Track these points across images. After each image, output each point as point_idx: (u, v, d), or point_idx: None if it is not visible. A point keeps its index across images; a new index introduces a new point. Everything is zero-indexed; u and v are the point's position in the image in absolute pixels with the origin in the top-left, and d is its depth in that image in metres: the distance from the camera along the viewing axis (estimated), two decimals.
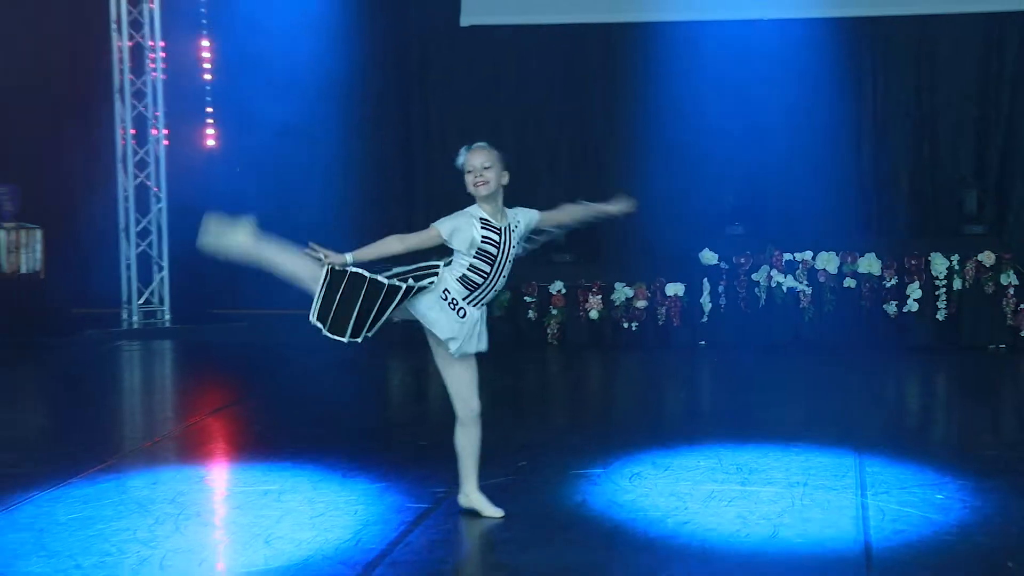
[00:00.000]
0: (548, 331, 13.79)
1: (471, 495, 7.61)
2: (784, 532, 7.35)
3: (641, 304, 13.67)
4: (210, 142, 15.75)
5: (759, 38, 14.54)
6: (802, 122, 14.59)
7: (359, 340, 7.33)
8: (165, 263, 15.26)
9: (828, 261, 13.50)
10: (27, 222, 14.66)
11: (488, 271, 7.19)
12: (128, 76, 15.05)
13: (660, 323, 13.68)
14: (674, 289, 13.61)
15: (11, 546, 7.32)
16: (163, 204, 15.23)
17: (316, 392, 11.85)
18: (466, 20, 15.28)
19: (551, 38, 15.23)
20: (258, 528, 7.62)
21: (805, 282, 13.52)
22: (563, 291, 13.79)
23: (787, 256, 13.58)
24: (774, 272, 13.56)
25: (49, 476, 8.81)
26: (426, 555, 7.18)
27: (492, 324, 13.54)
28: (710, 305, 13.61)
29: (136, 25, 15.04)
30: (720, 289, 13.61)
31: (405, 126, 15.81)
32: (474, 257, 7.15)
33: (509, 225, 7.26)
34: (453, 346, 7.29)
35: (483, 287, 7.24)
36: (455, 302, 7.23)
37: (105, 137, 15.24)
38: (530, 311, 13.82)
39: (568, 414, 11.63)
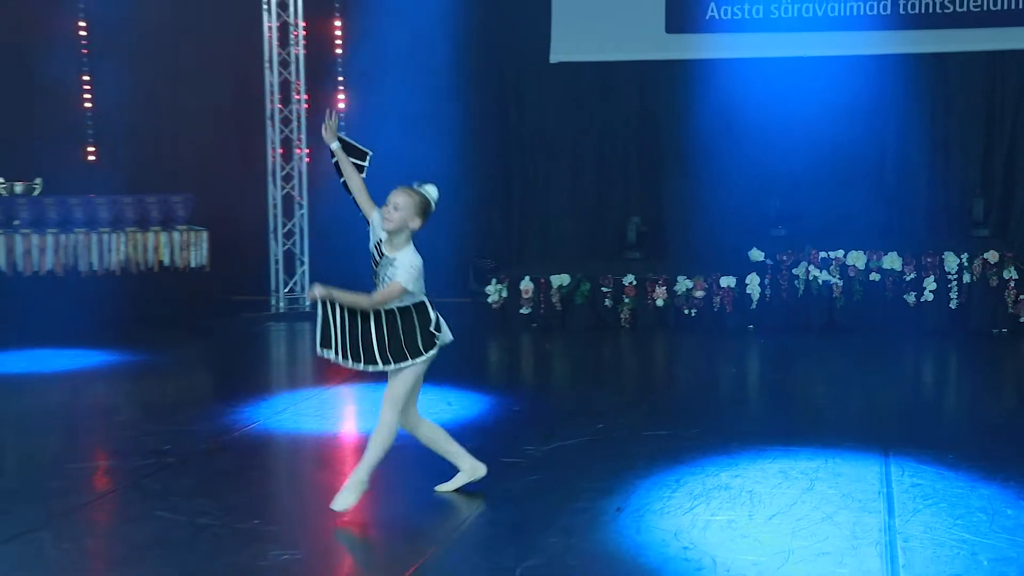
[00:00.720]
0: (621, 316, 13.78)
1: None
2: (819, 485, 7.36)
3: (699, 294, 13.64)
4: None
5: (801, 72, 14.49)
6: (836, 142, 14.53)
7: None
8: (306, 259, 15.39)
9: (857, 258, 13.44)
10: (196, 225, 14.81)
11: (374, 276, 7.09)
12: (277, 105, 15.19)
13: (715, 310, 13.64)
14: (727, 281, 13.58)
15: (185, 490, 7.44)
16: (304, 211, 15.36)
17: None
18: (554, 58, 15.27)
19: (626, 72, 15.22)
20: (391, 473, 7.68)
21: (837, 276, 13.46)
22: (634, 283, 13.77)
23: (822, 254, 13.53)
24: (811, 267, 13.51)
25: (214, 433, 8.94)
26: (520, 500, 7.24)
27: (575, 311, 13.71)
28: (757, 295, 13.56)
29: (284, 64, 15.17)
30: (766, 281, 13.57)
31: (503, 139, 15.82)
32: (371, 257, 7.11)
33: (390, 259, 6.96)
34: None
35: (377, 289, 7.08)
36: None
37: (258, 155, 15.37)
38: (607, 299, 13.81)
39: (638, 386, 11.65)
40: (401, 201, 6.92)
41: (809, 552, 6.21)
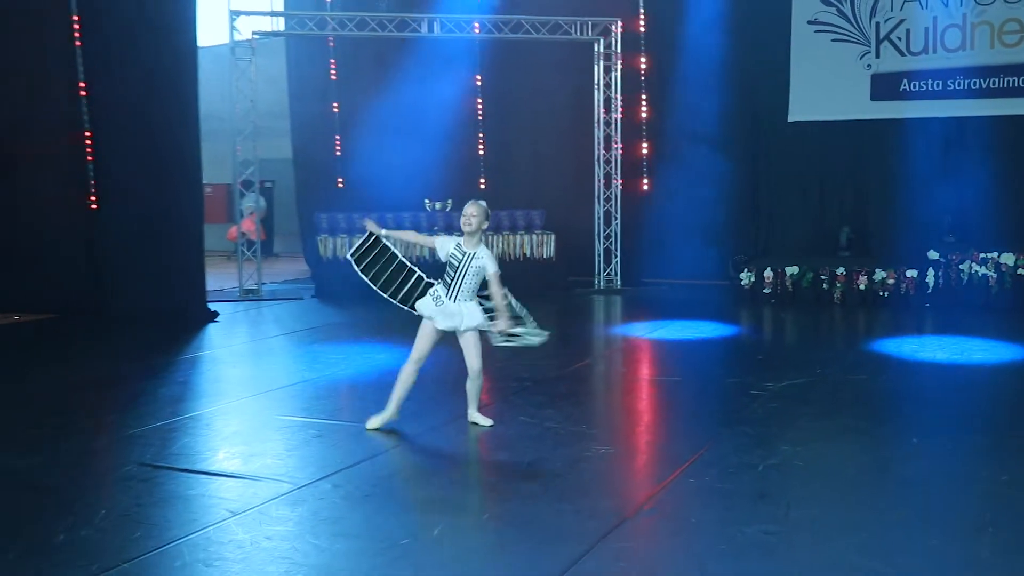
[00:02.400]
0: (834, 296, 13.30)
1: (474, 415, 7.01)
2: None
3: (891, 281, 13.05)
4: (645, 187, 15.75)
5: (969, 127, 13.80)
6: (994, 174, 13.62)
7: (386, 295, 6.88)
8: (618, 253, 15.40)
9: (1008, 258, 12.67)
10: (547, 230, 15.04)
11: (452, 275, 6.64)
12: (602, 150, 15.27)
13: (902, 293, 13.04)
14: (911, 273, 12.95)
15: (537, 404, 7.56)
16: (617, 222, 15.37)
17: (706, 321, 11.76)
18: (792, 118, 14.88)
19: (842, 127, 14.64)
20: (672, 400, 7.65)
21: (993, 271, 12.70)
22: (844, 272, 13.29)
23: (982, 255, 12.79)
24: (973, 264, 12.79)
25: (556, 366, 9.01)
26: (761, 420, 7.10)
27: (801, 292, 13.33)
28: (933, 283, 12.91)
29: (607, 123, 15.23)
30: (939, 274, 12.90)
31: (754, 173, 15.51)
32: (447, 265, 6.67)
33: (473, 254, 6.64)
34: (425, 315, 6.74)
35: (451, 286, 6.65)
36: (436, 292, 6.69)
37: (589, 184, 15.50)
38: (824, 284, 13.37)
39: (847, 343, 11.18)
40: (475, 210, 6.68)
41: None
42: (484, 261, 6.66)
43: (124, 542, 4.78)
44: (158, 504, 5.39)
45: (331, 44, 15.94)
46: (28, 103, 12.54)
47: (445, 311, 6.69)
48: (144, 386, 8.31)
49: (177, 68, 12.11)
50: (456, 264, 6.66)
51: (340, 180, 16.26)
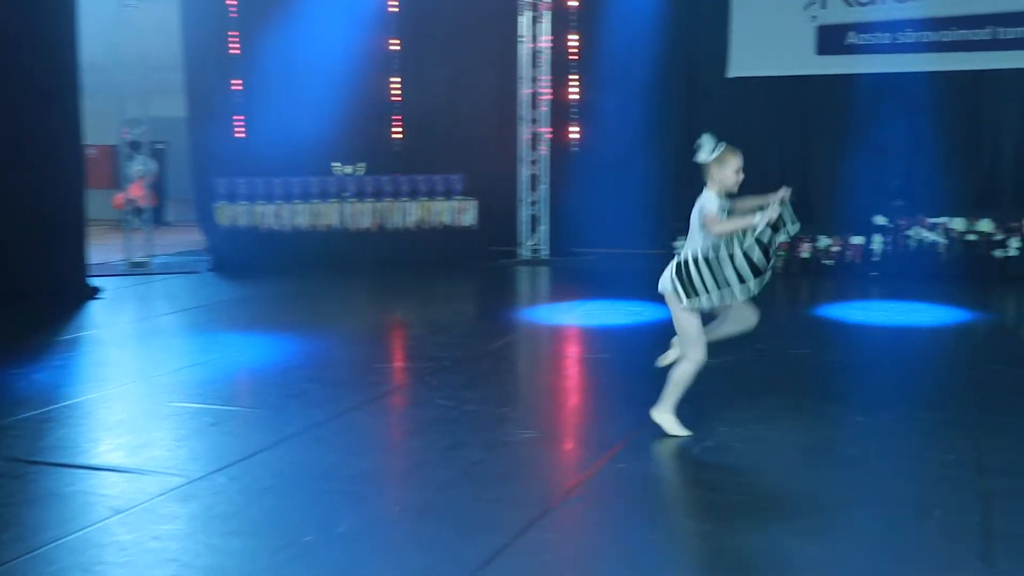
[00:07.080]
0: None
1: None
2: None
3: (835, 249, 13.33)
4: (574, 148, 15.73)
5: (918, 84, 13.84)
6: (943, 136, 13.79)
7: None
8: (545, 221, 15.40)
9: (958, 223, 13.02)
10: (468, 196, 14.97)
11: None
12: (528, 109, 15.22)
13: (847, 261, 13.28)
14: (857, 240, 13.27)
15: (455, 385, 7.48)
16: (545, 186, 15.39)
17: (638, 295, 11.79)
18: (731, 74, 14.92)
19: (784, 84, 14.75)
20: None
21: (942, 237, 13.00)
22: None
23: (930, 220, 13.09)
24: (922, 230, 13.07)
25: (477, 344, 8.98)
26: (696, 395, 7.10)
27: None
28: (879, 250, 13.20)
29: (533, 80, 15.17)
30: (887, 240, 13.19)
31: (690, 139, 15.48)
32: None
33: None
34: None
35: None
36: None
37: (512, 146, 15.45)
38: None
39: (788, 315, 11.27)
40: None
41: None
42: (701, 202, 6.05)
43: None
44: (31, 503, 5.25)
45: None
46: None
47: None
48: (14, 372, 8.08)
49: (50, 16, 11.74)
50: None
51: (239, 130, 15.81)
